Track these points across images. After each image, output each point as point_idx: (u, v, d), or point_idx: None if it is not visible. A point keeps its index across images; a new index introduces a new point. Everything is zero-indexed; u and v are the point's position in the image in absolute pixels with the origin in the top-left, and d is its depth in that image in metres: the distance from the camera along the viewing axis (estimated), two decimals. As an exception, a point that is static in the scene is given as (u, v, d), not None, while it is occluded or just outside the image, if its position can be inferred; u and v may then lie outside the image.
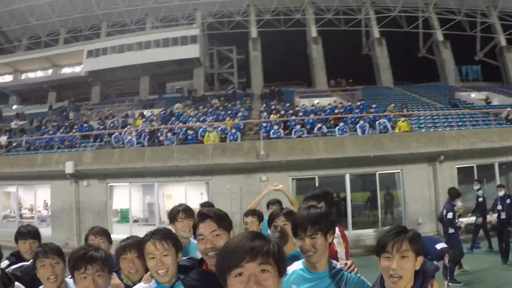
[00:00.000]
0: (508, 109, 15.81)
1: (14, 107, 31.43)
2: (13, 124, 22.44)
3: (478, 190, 10.64)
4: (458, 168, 13.46)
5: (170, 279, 2.17)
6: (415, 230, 1.91)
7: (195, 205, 15.96)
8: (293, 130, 13.59)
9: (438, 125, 14.99)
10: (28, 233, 3.32)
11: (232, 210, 12.28)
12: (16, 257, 3.31)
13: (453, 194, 8.03)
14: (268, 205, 5.26)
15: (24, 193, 17.85)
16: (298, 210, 2.28)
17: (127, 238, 2.83)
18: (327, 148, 12.56)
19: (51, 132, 18.23)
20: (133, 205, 15.62)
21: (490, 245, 10.06)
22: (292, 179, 13.06)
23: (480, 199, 10.47)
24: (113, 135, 15.33)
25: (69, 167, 13.59)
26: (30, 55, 31.10)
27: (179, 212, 3.18)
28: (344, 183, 13.15)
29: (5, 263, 3.30)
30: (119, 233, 14.38)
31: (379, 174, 13.37)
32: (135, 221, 17.38)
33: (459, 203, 8.12)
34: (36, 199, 16.73)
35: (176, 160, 12.90)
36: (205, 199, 15.19)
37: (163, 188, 16.41)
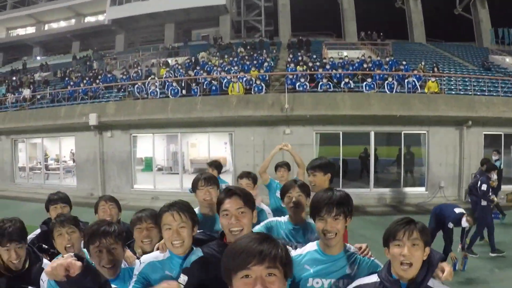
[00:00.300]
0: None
1: (38, 58, 31.73)
2: (37, 76, 22.69)
3: (496, 161, 10.47)
4: (485, 134, 13.13)
5: (185, 251, 2.19)
6: (423, 223, 1.93)
7: (219, 154, 16.27)
8: (320, 84, 13.24)
9: (468, 88, 14.37)
10: (59, 199, 3.36)
11: (255, 162, 12.40)
12: (48, 225, 3.20)
13: (489, 167, 7.93)
14: (276, 167, 5.28)
15: (49, 144, 18.35)
16: (318, 192, 2.17)
17: (143, 210, 2.84)
18: (353, 105, 12.26)
19: (74, 83, 18.33)
20: (157, 154, 15.83)
21: (502, 214, 9.91)
22: (316, 133, 12.93)
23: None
24: (136, 86, 15.28)
25: (92, 119, 13.82)
26: (53, 5, 30.94)
27: (199, 180, 3.14)
28: (368, 138, 13.01)
29: (35, 232, 3.33)
30: (142, 183, 14.98)
31: (404, 133, 13.12)
32: (159, 169, 17.77)
33: (494, 176, 7.92)
34: (61, 150, 17.15)
35: (199, 112, 12.86)
36: (228, 149, 15.34)
37: (187, 137, 16.54)
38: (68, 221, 2.61)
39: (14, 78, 23.00)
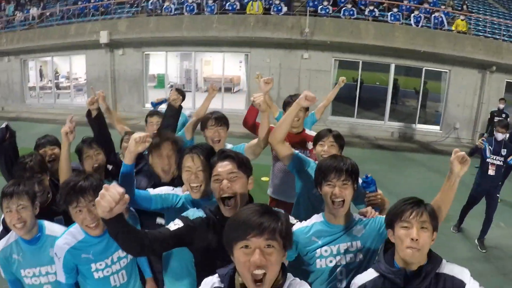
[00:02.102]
0: None
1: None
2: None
3: (502, 110, 10.22)
4: (507, 82, 12.66)
5: (202, 196, 2.16)
6: (432, 205, 1.76)
7: (233, 73, 16.03)
8: (343, 9, 12.55)
9: (497, 31, 13.67)
10: (47, 142, 3.04)
11: (270, 85, 12.13)
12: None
13: None
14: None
15: (60, 62, 17.92)
16: (326, 158, 2.15)
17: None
18: (376, 35, 11.74)
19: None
20: (169, 71, 15.59)
21: None
22: (335, 60, 12.55)
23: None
24: (150, 1, 14.59)
25: (103, 37, 13.41)
26: None
27: (209, 119, 3.07)
28: (388, 68, 12.68)
29: None
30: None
31: (425, 70, 12.69)
32: (172, 86, 17.51)
33: None
34: (71, 68, 16.76)
35: (215, 31, 12.41)
36: (243, 68, 14.99)
37: (201, 55, 16.17)
38: (95, 143, 2.68)
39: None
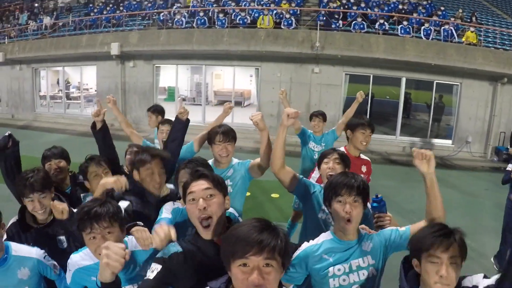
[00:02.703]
0: None
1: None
2: (60, 2, 21.89)
3: None
4: (519, 94, 12.59)
5: None
6: (462, 231, 1.68)
7: (244, 87, 16.06)
8: (353, 23, 12.58)
9: (507, 42, 13.61)
10: (52, 155, 3.02)
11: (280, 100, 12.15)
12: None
13: None
14: (311, 116, 5.09)
15: (71, 72, 18.15)
16: (337, 175, 2.11)
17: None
18: (386, 49, 11.75)
19: (97, 10, 17.70)
20: (180, 84, 15.67)
21: None
22: (346, 74, 12.55)
23: None
24: (161, 14, 14.71)
25: (114, 49, 13.51)
26: None
27: (217, 134, 3.00)
28: (399, 82, 12.66)
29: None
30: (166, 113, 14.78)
31: (436, 83, 12.65)
32: (182, 100, 17.47)
33: None
34: (82, 79, 16.92)
35: (225, 44, 12.47)
36: (254, 82, 15.01)
37: (212, 68, 16.20)
38: (103, 160, 2.54)
39: (36, 4, 22.33)
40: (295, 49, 11.97)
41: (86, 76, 16.90)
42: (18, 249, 2.16)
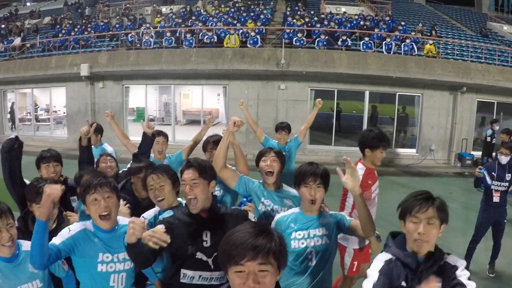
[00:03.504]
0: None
1: (28, 4, 30.37)
2: (26, 24, 21.71)
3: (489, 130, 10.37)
4: (478, 101, 13.24)
5: (169, 205, 2.57)
6: (442, 199, 1.90)
7: (212, 106, 16.10)
8: (317, 40, 12.99)
9: (465, 53, 14.28)
10: (51, 156, 3.36)
11: (248, 116, 12.37)
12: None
13: None
14: (277, 129, 5.42)
15: (40, 95, 17.86)
16: (303, 164, 2.54)
17: (141, 161, 3.38)
18: (349, 64, 12.18)
19: (65, 31, 17.64)
20: (149, 104, 15.72)
21: None
22: (311, 89, 12.89)
23: (488, 139, 10.22)
24: (129, 35, 14.81)
25: (84, 70, 13.47)
26: None
27: (209, 143, 3.65)
28: (363, 96, 13.09)
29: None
30: (135, 134, 14.61)
31: (399, 95, 13.14)
32: (151, 120, 17.49)
33: None
34: (52, 101, 16.73)
35: (194, 64, 12.65)
36: (222, 101, 15.21)
37: (180, 88, 16.26)
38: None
39: (3, 26, 22.02)
40: (261, 67, 12.27)
41: (55, 98, 16.71)
42: (28, 245, 2.27)
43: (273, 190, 3.01)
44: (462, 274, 1.81)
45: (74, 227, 2.26)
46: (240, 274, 1.29)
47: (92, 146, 4.28)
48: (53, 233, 2.49)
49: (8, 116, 17.42)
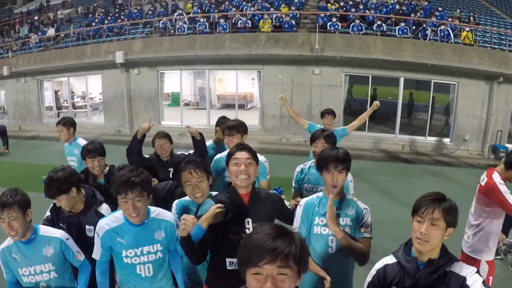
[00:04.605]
0: None
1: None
2: (59, 14, 22.26)
3: None
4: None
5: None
6: (453, 202, 1.87)
7: (246, 90, 16.16)
8: (352, 25, 12.88)
9: (504, 42, 13.80)
10: (95, 150, 3.53)
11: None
12: (86, 174, 3.61)
13: None
14: (322, 114, 5.60)
15: (75, 82, 18.41)
16: (325, 149, 2.62)
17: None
18: (384, 49, 12.02)
19: (98, 20, 17.97)
20: (184, 89, 15.86)
21: None
22: (345, 75, 12.82)
23: None
24: (162, 21, 15.05)
25: (119, 57, 13.78)
26: None
27: (225, 129, 3.75)
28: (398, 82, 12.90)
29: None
30: (170, 119, 15.14)
31: (434, 82, 12.87)
32: (186, 104, 17.80)
33: None
34: (88, 88, 17.21)
35: (228, 49, 12.79)
36: (256, 85, 15.31)
37: (214, 73, 16.47)
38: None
39: (36, 17, 22.67)
40: (295, 52, 12.29)
41: (91, 85, 17.18)
42: (46, 230, 2.57)
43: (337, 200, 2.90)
44: (474, 281, 1.76)
45: (99, 231, 2.46)
46: (257, 277, 1.24)
47: (66, 144, 4.64)
48: (80, 215, 2.82)
49: (48, 104, 18.01)
